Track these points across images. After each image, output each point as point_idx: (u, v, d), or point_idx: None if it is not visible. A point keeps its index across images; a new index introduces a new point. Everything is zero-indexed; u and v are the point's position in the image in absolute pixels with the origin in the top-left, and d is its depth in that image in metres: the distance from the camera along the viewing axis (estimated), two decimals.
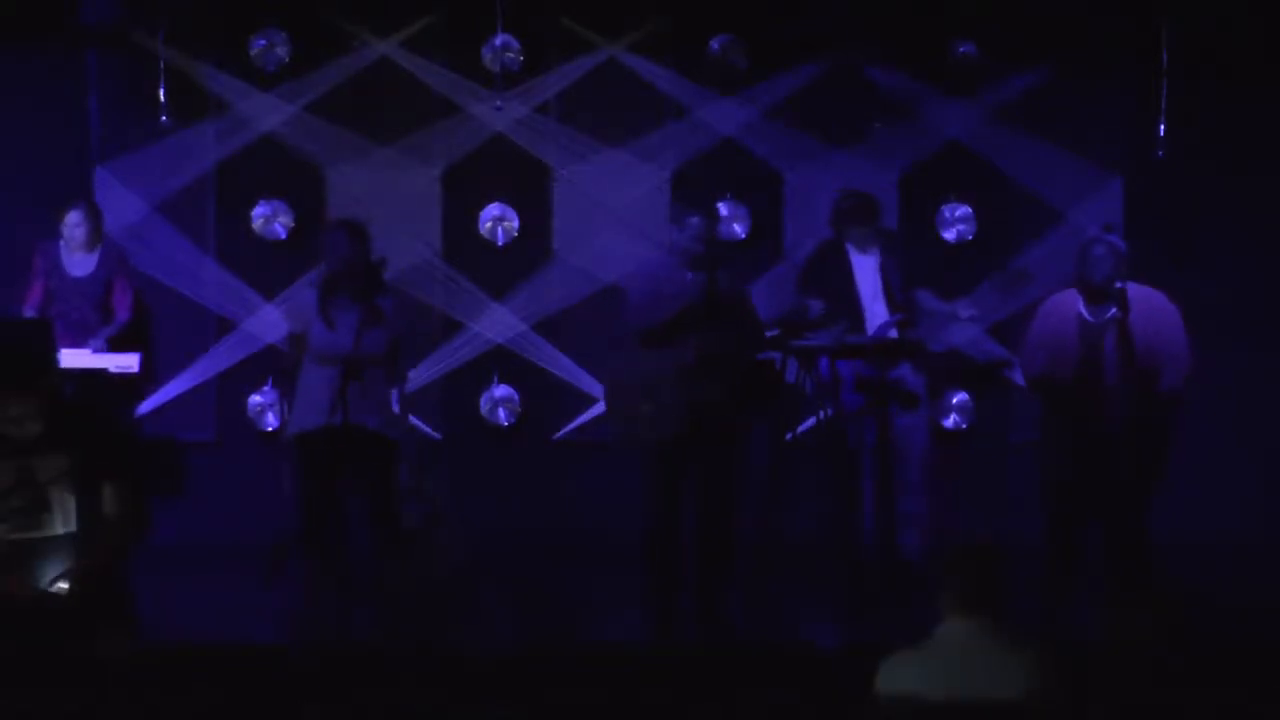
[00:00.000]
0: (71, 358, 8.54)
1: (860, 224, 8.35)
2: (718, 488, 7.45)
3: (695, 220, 7.50)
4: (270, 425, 9.46)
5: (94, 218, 8.88)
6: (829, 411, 8.02)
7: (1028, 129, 9.66)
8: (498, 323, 9.61)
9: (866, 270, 8.40)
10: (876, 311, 8.38)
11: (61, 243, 8.85)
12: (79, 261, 8.86)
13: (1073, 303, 7.38)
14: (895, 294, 8.38)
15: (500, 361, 9.64)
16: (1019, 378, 8.28)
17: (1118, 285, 7.27)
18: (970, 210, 9.65)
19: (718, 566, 7.52)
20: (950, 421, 9.58)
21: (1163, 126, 9.39)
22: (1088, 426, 7.29)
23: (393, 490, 7.75)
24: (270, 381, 9.43)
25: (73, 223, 8.79)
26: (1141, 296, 7.32)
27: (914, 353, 8.24)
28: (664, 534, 7.44)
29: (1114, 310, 7.27)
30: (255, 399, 9.52)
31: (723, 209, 9.50)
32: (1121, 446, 7.23)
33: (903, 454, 8.39)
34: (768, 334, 7.81)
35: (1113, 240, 7.35)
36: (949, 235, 9.62)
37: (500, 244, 9.61)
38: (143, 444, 6.36)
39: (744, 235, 9.66)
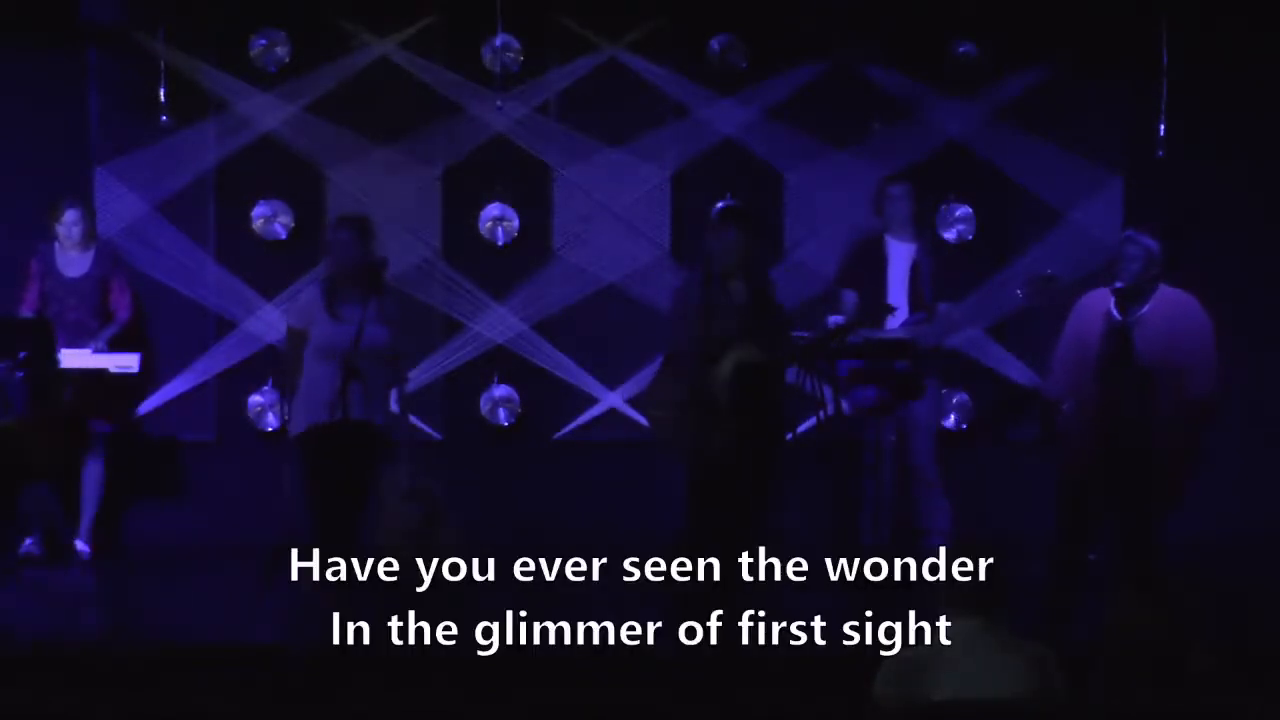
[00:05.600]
0: (71, 358, 8.56)
1: (891, 181, 8.56)
2: (752, 496, 7.47)
3: (730, 234, 7.53)
4: (270, 425, 9.46)
5: (90, 216, 8.94)
6: (829, 411, 8.02)
7: (1028, 129, 9.66)
8: (498, 323, 9.61)
9: (900, 261, 8.48)
10: (899, 307, 8.44)
11: (56, 244, 8.87)
12: (73, 261, 8.87)
13: (1103, 300, 7.35)
14: (923, 291, 8.43)
15: (500, 361, 9.64)
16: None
17: (1119, 285, 7.25)
18: (970, 210, 9.64)
19: (737, 571, 7.54)
20: (950, 421, 9.58)
21: (1163, 126, 9.38)
22: (1107, 426, 7.25)
23: (376, 480, 7.76)
24: (270, 381, 9.43)
25: (70, 220, 8.82)
26: (1171, 299, 7.29)
27: (908, 353, 8.27)
28: (703, 545, 7.46)
29: (1142, 310, 7.25)
30: (255, 399, 9.52)
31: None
32: (1139, 448, 7.20)
33: (912, 447, 8.46)
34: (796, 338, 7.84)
35: (1145, 240, 7.30)
36: (949, 235, 9.61)
37: (500, 244, 9.60)
38: None
39: None
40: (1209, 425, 7.35)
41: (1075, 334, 7.42)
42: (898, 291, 8.55)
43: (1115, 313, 7.29)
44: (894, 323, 8.47)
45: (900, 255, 8.58)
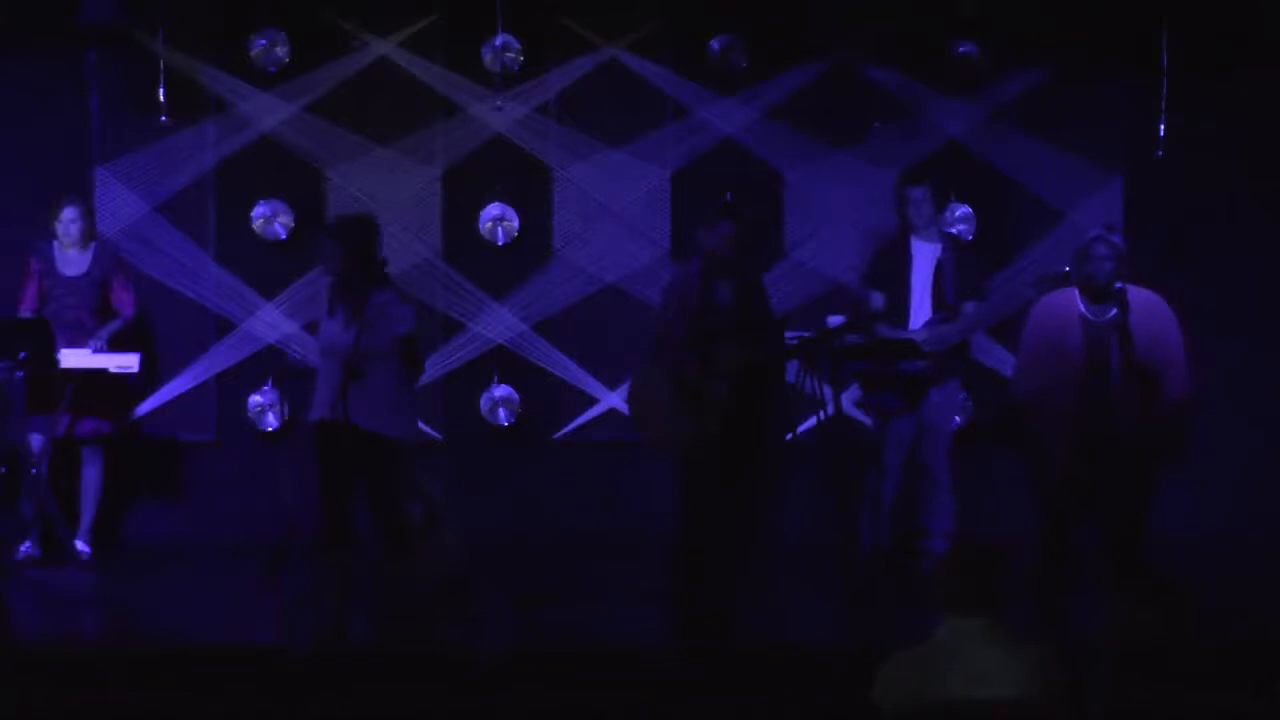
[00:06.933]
0: (71, 357, 8.56)
1: (910, 183, 8.52)
2: (750, 496, 7.46)
3: (725, 226, 7.51)
4: (270, 425, 9.46)
5: (88, 214, 8.94)
6: (829, 411, 8.03)
7: (1028, 129, 9.66)
8: (498, 323, 9.61)
9: (923, 261, 8.48)
10: (922, 306, 8.45)
11: (55, 242, 8.87)
12: (73, 260, 8.87)
13: (1073, 303, 7.33)
14: (946, 292, 8.43)
15: (500, 361, 9.64)
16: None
17: (1118, 285, 7.25)
18: (970, 210, 9.65)
19: (740, 571, 7.53)
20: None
21: (1163, 126, 9.39)
22: (1091, 427, 7.24)
23: (396, 490, 7.73)
24: (270, 381, 9.43)
25: (68, 218, 8.82)
26: (1141, 299, 7.28)
27: (917, 353, 8.27)
28: (698, 545, 7.45)
29: (1115, 311, 7.24)
30: (255, 399, 9.51)
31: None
32: (1126, 447, 7.19)
33: (927, 448, 8.46)
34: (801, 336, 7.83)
35: (1114, 239, 7.32)
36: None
37: (500, 244, 9.61)
38: None
39: None
40: (1190, 423, 7.35)
41: (1046, 338, 7.37)
42: (920, 291, 8.54)
43: (1089, 314, 7.28)
44: (916, 322, 8.48)
45: (924, 255, 8.56)
